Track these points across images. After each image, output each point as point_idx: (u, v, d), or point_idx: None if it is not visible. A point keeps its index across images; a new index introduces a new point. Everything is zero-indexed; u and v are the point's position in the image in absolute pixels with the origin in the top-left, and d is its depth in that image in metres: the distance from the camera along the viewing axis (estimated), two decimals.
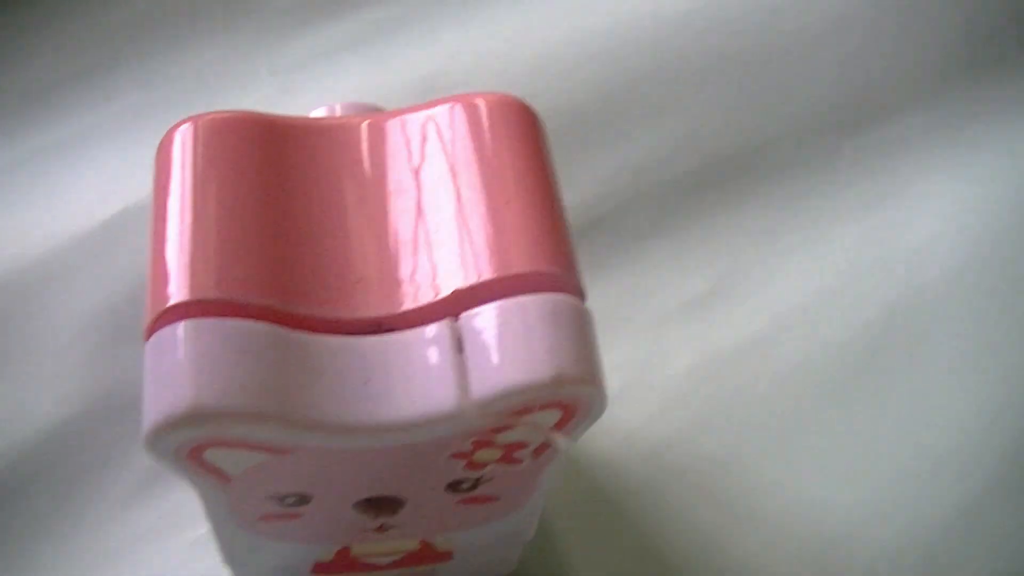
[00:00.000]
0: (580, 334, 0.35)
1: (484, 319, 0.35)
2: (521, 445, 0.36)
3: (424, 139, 0.38)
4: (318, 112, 0.43)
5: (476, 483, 0.39)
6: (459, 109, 0.39)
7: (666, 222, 0.59)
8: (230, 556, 0.42)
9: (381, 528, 0.41)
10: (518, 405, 0.34)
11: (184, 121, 0.38)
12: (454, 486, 0.39)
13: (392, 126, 0.39)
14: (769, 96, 0.64)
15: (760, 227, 0.60)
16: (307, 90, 0.60)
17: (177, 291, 0.34)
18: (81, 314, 0.54)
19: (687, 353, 0.56)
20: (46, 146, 0.59)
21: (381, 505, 0.40)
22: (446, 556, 0.45)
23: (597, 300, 0.53)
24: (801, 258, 0.59)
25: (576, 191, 0.58)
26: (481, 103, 0.39)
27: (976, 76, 0.66)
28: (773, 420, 0.54)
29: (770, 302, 0.57)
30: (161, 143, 0.38)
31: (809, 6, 0.66)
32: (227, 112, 0.38)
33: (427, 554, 0.44)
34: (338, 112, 0.43)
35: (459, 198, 0.37)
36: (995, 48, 0.67)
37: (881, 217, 0.60)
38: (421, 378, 0.34)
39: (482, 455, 0.37)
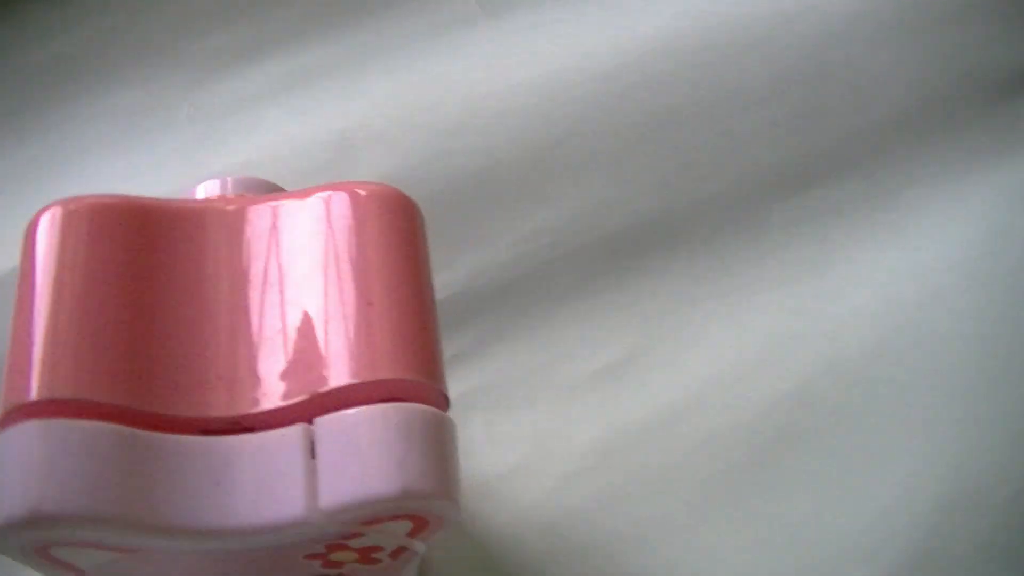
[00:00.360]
0: (434, 446, 0.35)
1: (338, 426, 0.35)
2: (377, 549, 0.36)
3: (295, 230, 0.38)
4: (208, 185, 0.42)
5: None
6: (336, 199, 0.39)
7: (583, 287, 0.59)
8: None
9: None
10: (366, 516, 0.34)
11: (52, 205, 0.38)
12: None
13: (263, 213, 0.38)
14: (699, 157, 0.62)
15: (680, 294, 0.59)
16: (226, 138, 0.60)
17: (29, 389, 0.34)
18: None
19: (594, 425, 0.55)
20: None
21: None
22: None
23: (503, 368, 0.53)
24: (720, 328, 0.58)
25: (488, 252, 0.58)
26: (361, 193, 0.39)
27: (915, 140, 0.65)
28: (679, 498, 0.53)
29: (684, 374, 0.57)
30: (28, 227, 0.37)
31: (744, 64, 0.65)
32: (96, 197, 0.38)
33: None
34: (229, 187, 0.42)
35: (324, 295, 0.37)
36: (931, 110, 0.66)
37: (806, 286, 0.59)
38: (272, 483, 0.34)
39: (338, 556, 0.37)
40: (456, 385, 0.51)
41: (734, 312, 0.58)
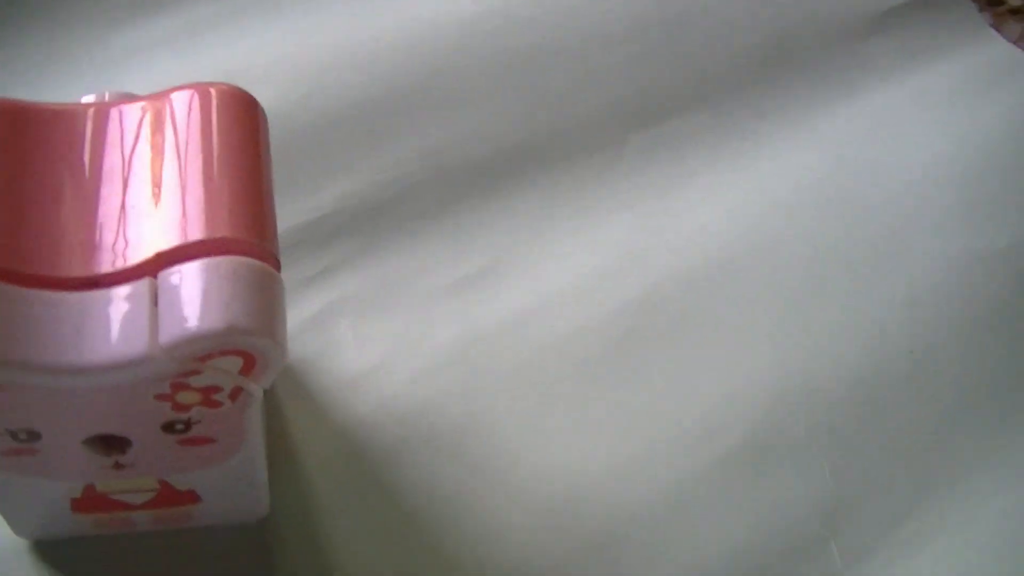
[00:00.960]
0: (259, 292, 0.40)
1: (176, 277, 0.40)
2: (216, 389, 0.42)
3: (150, 123, 0.44)
4: (88, 99, 0.48)
5: (188, 425, 0.44)
6: (186, 96, 0.44)
7: (447, 207, 0.64)
8: None
9: (117, 466, 0.46)
10: (199, 351, 0.39)
11: None
12: (169, 427, 0.44)
13: (123, 112, 0.44)
14: (559, 91, 0.69)
15: (538, 213, 0.64)
16: (125, 82, 0.65)
17: None
18: None
19: (451, 327, 0.60)
20: None
21: (109, 443, 0.45)
22: (192, 497, 0.49)
23: (370, 278, 0.59)
24: (573, 243, 0.64)
25: (358, 178, 0.64)
26: (210, 92, 0.45)
27: (764, 75, 0.72)
28: (526, 392, 0.59)
29: (537, 283, 0.62)
30: None
31: (605, 8, 0.72)
32: None
33: (171, 494, 0.49)
34: (106, 98, 0.47)
35: (171, 173, 0.42)
36: (785, 51, 0.72)
37: (658, 206, 0.65)
38: (121, 328, 0.40)
39: (183, 397, 0.42)
40: (325, 294, 0.57)
41: (588, 229, 0.64)
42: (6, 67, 0.67)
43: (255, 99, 0.45)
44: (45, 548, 0.53)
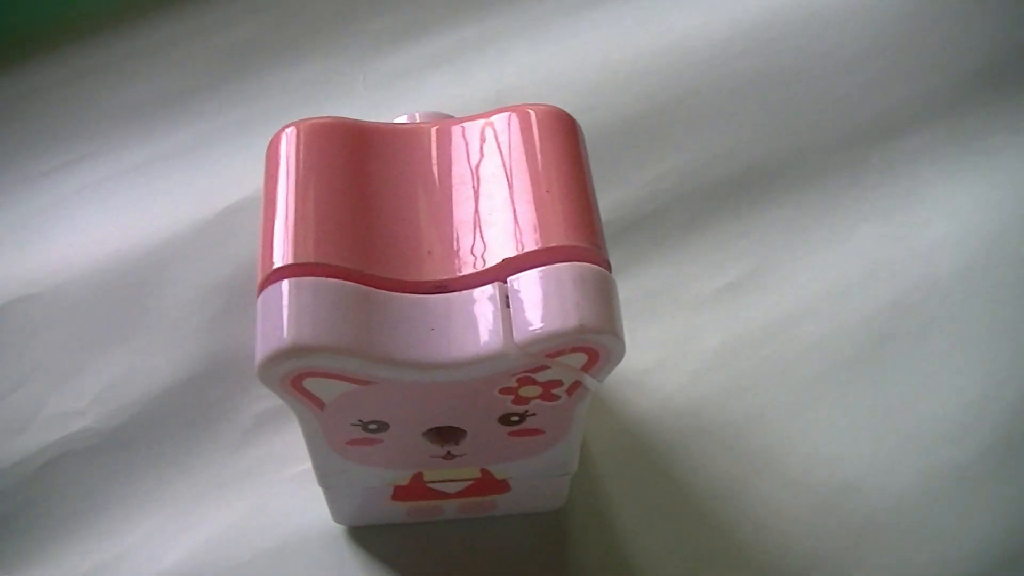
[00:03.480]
0: (602, 295, 0.44)
1: (526, 282, 0.44)
2: (557, 383, 0.45)
3: (482, 141, 0.48)
4: (400, 119, 0.52)
5: (523, 417, 0.48)
6: (512, 117, 0.48)
7: (706, 219, 0.68)
8: (323, 478, 0.52)
9: (448, 456, 0.50)
10: (551, 348, 0.43)
11: (289, 125, 0.48)
12: (505, 419, 0.48)
13: (456, 130, 0.48)
14: (805, 110, 0.72)
15: (791, 225, 0.68)
16: (397, 102, 0.70)
17: (282, 256, 0.44)
18: (196, 290, 0.64)
19: (719, 331, 0.64)
20: (171, 149, 0.70)
21: (446, 434, 0.49)
22: (504, 487, 0.54)
23: (642, 285, 0.63)
24: (827, 252, 0.67)
25: (626, 190, 0.67)
26: (531, 112, 0.48)
27: (996, 93, 0.74)
28: (792, 389, 0.62)
29: (796, 289, 0.66)
30: (270, 142, 0.47)
31: (843, 31, 0.75)
32: (323, 118, 0.48)
33: (487, 483, 0.53)
34: (417, 119, 0.52)
35: (509, 187, 0.46)
36: (1013, 68, 0.75)
37: (901, 218, 0.68)
38: (475, 327, 0.43)
39: (525, 391, 0.46)
40: None
41: (838, 240, 0.67)
42: (285, 87, 0.72)
43: (572, 117, 0.49)
44: (359, 533, 0.57)
